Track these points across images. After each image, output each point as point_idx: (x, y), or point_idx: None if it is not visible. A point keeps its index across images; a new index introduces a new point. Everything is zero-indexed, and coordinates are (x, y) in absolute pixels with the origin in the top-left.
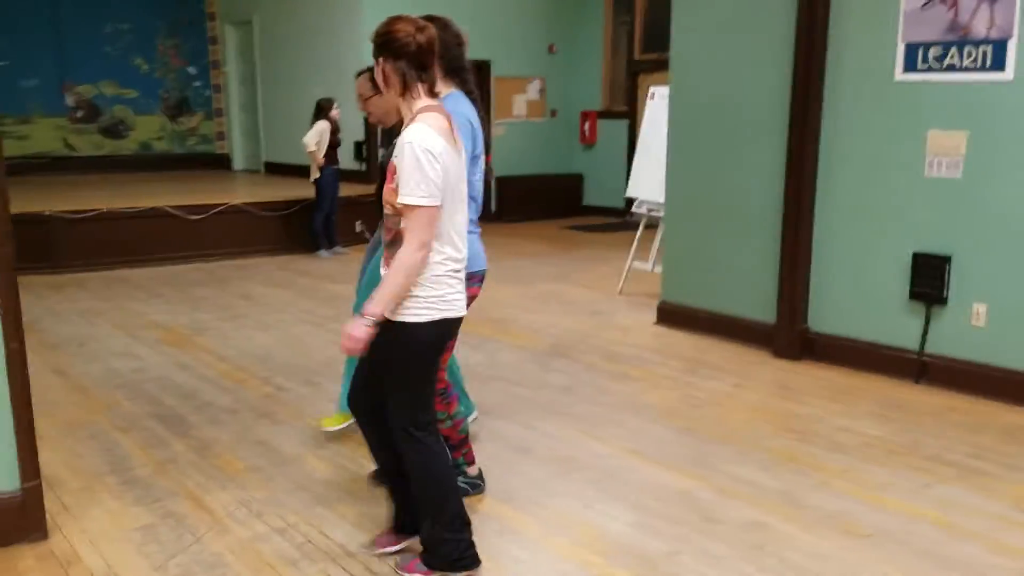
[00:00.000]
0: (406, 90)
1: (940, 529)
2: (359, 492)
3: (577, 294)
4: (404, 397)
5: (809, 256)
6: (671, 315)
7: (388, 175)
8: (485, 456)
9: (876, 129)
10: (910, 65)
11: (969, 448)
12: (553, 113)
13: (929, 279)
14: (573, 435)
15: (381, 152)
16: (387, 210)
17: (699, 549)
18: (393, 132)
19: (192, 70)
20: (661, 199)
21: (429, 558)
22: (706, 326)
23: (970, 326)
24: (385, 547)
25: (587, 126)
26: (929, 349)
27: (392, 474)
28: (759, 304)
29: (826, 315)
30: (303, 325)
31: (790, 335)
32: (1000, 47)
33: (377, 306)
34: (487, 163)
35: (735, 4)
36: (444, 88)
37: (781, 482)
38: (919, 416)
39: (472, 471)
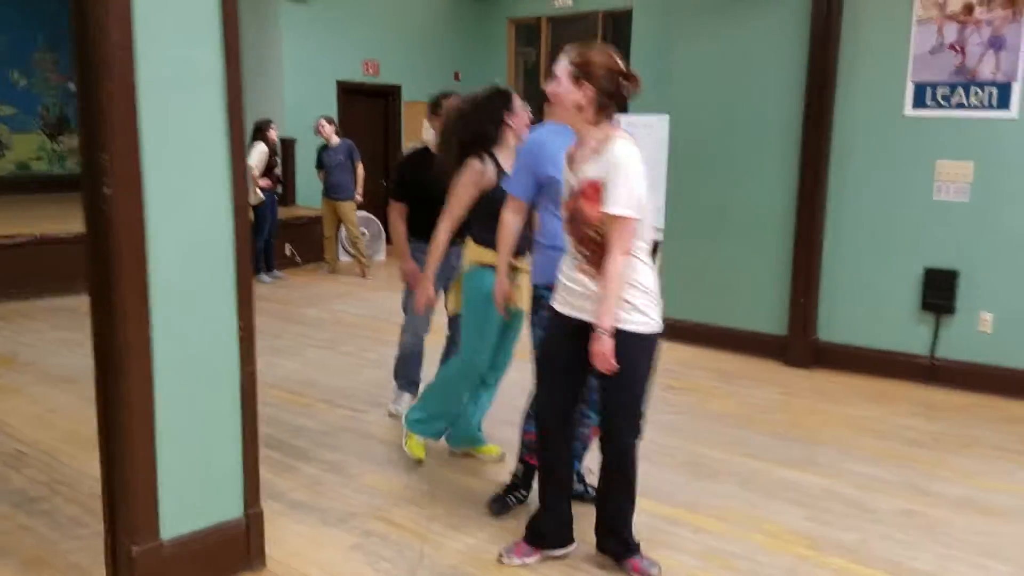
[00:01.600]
0: (598, 116)
1: None
2: (535, 503)
3: None
4: (638, 408)
5: (819, 273)
6: (672, 330)
7: (592, 195)
8: None
9: (886, 157)
10: (919, 102)
11: (1017, 438)
12: None
13: (939, 291)
14: (677, 443)
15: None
16: (591, 232)
17: (881, 535)
18: (438, 157)
19: (73, 86)
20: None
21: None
22: (712, 340)
23: (977, 332)
24: (527, 557)
25: None
26: (939, 354)
27: (564, 488)
28: (769, 317)
29: (835, 326)
30: (314, 350)
31: (803, 345)
32: (1005, 89)
33: (610, 317)
34: None
35: (742, 33)
36: None
37: (897, 475)
38: (955, 413)
39: None
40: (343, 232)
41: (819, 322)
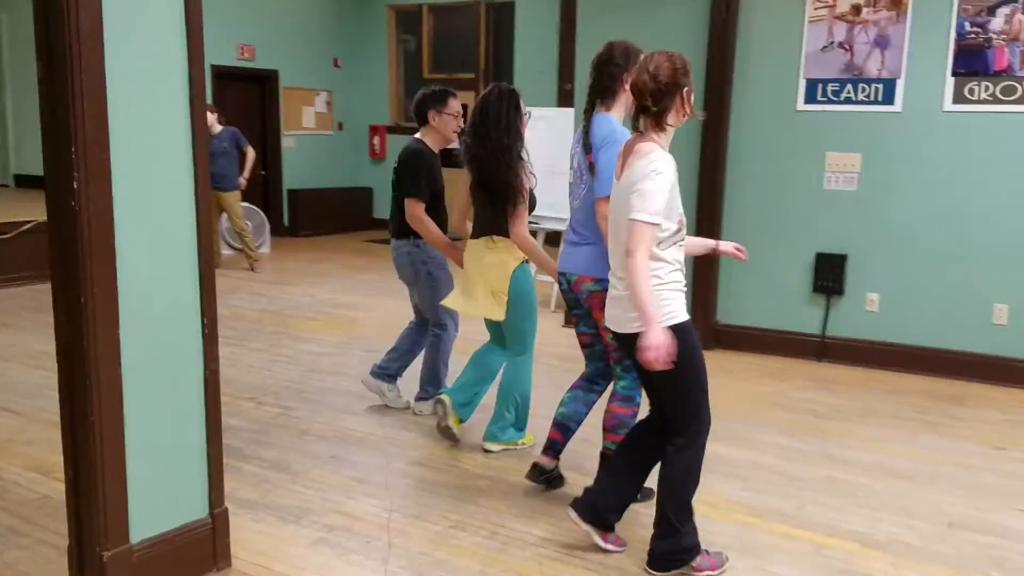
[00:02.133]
0: None
1: (952, 466)
2: (488, 489)
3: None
4: None
5: (718, 259)
6: None
7: None
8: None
9: (780, 150)
10: (810, 97)
11: (909, 407)
12: (340, 126)
13: (829, 274)
14: None
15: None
16: None
17: (812, 501)
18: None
19: None
20: (554, 213)
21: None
22: None
23: (865, 312)
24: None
25: (376, 140)
26: (830, 333)
27: None
28: None
29: (734, 309)
30: (221, 347)
31: (705, 328)
32: (890, 85)
33: None
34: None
35: (643, 29)
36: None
37: (811, 445)
38: (849, 386)
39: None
40: (224, 224)
41: (719, 306)
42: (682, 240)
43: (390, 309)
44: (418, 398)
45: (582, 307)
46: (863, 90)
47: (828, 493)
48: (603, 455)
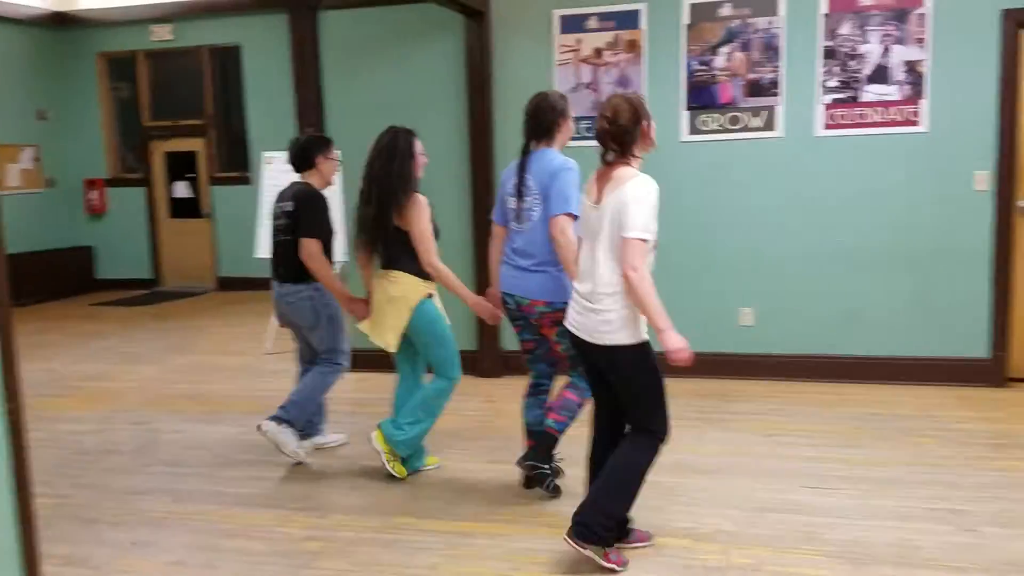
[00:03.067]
0: None
1: (741, 456)
2: (322, 550)
3: (229, 361)
4: None
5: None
6: (366, 360)
7: None
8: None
9: None
10: None
11: (690, 408)
12: (50, 182)
13: None
14: (475, 466)
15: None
16: None
17: (638, 506)
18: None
19: None
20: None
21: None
22: None
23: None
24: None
25: (94, 195)
26: None
27: None
28: (459, 335)
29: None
30: None
31: (493, 357)
32: None
33: None
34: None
35: (398, 77)
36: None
37: None
38: None
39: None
40: None
41: (503, 334)
42: (652, 262)
43: (147, 375)
44: (273, 418)
45: (527, 321)
46: None
47: (648, 496)
48: (543, 433)
